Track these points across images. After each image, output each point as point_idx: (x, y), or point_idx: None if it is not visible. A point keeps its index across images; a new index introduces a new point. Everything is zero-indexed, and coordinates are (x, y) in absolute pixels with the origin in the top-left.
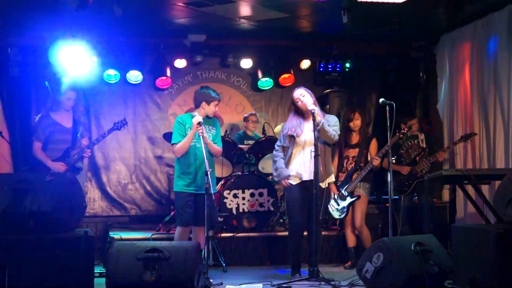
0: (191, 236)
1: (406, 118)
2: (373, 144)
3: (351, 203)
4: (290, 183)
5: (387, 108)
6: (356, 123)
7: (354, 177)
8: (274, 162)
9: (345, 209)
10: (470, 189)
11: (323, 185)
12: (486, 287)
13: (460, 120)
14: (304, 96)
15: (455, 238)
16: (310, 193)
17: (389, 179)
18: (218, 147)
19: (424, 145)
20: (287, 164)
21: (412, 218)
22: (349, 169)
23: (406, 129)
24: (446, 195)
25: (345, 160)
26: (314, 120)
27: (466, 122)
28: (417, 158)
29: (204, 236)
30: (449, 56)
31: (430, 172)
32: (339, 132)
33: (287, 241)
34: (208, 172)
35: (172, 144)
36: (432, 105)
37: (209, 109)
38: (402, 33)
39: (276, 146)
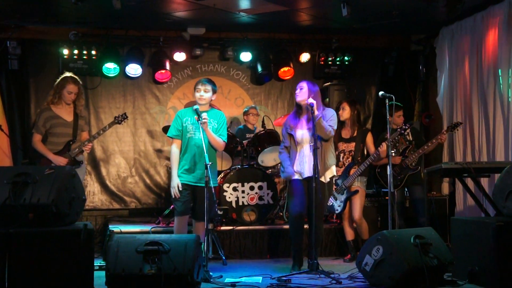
0: (192, 229)
1: (391, 110)
2: (369, 137)
3: (348, 198)
4: (293, 178)
5: (387, 101)
6: (343, 114)
7: (351, 172)
8: (281, 163)
9: (342, 204)
10: (469, 182)
11: (323, 179)
12: (485, 279)
13: (460, 113)
14: (301, 89)
15: (454, 231)
16: (310, 187)
17: (388, 173)
18: (219, 140)
19: (411, 138)
20: (292, 163)
21: (405, 211)
22: (346, 163)
23: (407, 125)
24: (445, 188)
25: (341, 155)
26: (312, 113)
27: (466, 115)
28: (406, 151)
29: (203, 229)
30: (448, 49)
31: (419, 164)
32: (335, 128)
33: (289, 233)
34: (208, 165)
35: (167, 135)
36: (431, 98)
37: (195, 96)
38: (401, 26)
39: (280, 149)
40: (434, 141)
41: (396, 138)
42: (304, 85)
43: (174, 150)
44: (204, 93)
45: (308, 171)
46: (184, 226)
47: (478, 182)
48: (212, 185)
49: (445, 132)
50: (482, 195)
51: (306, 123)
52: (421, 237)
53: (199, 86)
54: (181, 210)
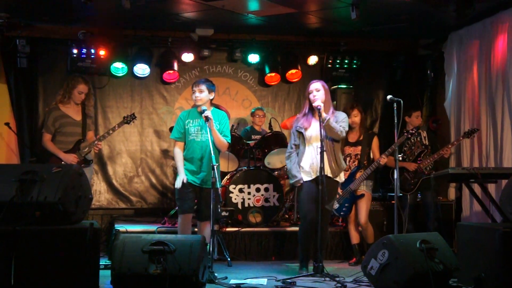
0: (196, 230)
1: (410, 111)
2: (375, 141)
3: (354, 201)
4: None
5: (395, 105)
6: (355, 120)
7: (357, 175)
8: (287, 164)
9: (348, 207)
10: (476, 187)
11: (338, 179)
12: (491, 286)
13: (467, 118)
14: (318, 91)
15: (460, 236)
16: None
17: (395, 177)
18: (223, 140)
19: (427, 142)
20: (299, 161)
21: (416, 216)
22: (352, 167)
23: (414, 129)
24: (452, 193)
25: (348, 158)
26: (320, 116)
27: (473, 120)
28: (421, 155)
29: (209, 231)
30: (457, 54)
31: (434, 169)
32: (347, 129)
33: (298, 236)
34: (215, 167)
35: (171, 138)
36: (439, 103)
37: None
38: (410, 30)
39: (288, 147)
40: (450, 146)
41: (410, 142)
42: (319, 86)
43: (178, 151)
44: (199, 94)
45: (320, 169)
46: (188, 224)
47: (485, 187)
48: (217, 186)
49: (461, 138)
50: (489, 201)
51: (316, 122)
52: (427, 242)
53: (194, 88)
54: (184, 208)
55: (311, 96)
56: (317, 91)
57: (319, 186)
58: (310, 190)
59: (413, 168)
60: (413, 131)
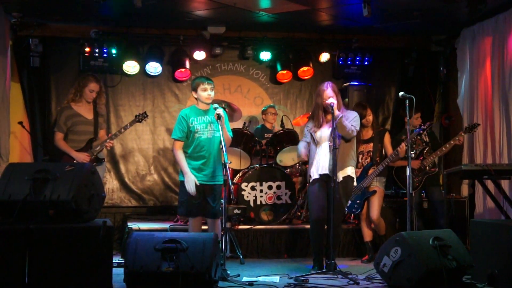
0: (205, 228)
1: (411, 111)
2: (387, 137)
3: (366, 198)
4: (312, 177)
5: (407, 102)
6: (369, 119)
7: (370, 172)
8: (299, 144)
9: (359, 204)
10: (489, 184)
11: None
12: (505, 282)
13: (480, 115)
14: (333, 98)
15: (474, 233)
16: (328, 187)
17: (407, 174)
18: (229, 136)
19: (427, 139)
20: (310, 160)
21: (423, 213)
22: (365, 164)
23: (427, 125)
24: (465, 190)
25: (360, 156)
26: (333, 113)
27: (487, 116)
28: (423, 153)
29: (219, 228)
30: (469, 50)
31: (438, 166)
32: (358, 128)
33: (307, 234)
34: (227, 164)
35: (172, 137)
36: (452, 100)
37: (198, 96)
38: (422, 26)
39: (301, 141)
40: (452, 142)
41: (415, 138)
42: (331, 93)
43: (180, 151)
44: (211, 92)
45: (322, 168)
46: (199, 226)
47: (498, 184)
48: (220, 183)
49: (462, 134)
50: (503, 197)
51: (326, 123)
52: (440, 239)
53: (205, 86)
54: (194, 212)
55: (325, 103)
56: (331, 97)
57: (326, 183)
58: (316, 189)
59: (417, 166)
60: (426, 127)
